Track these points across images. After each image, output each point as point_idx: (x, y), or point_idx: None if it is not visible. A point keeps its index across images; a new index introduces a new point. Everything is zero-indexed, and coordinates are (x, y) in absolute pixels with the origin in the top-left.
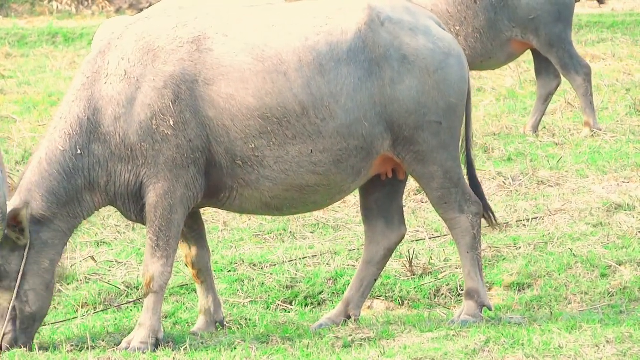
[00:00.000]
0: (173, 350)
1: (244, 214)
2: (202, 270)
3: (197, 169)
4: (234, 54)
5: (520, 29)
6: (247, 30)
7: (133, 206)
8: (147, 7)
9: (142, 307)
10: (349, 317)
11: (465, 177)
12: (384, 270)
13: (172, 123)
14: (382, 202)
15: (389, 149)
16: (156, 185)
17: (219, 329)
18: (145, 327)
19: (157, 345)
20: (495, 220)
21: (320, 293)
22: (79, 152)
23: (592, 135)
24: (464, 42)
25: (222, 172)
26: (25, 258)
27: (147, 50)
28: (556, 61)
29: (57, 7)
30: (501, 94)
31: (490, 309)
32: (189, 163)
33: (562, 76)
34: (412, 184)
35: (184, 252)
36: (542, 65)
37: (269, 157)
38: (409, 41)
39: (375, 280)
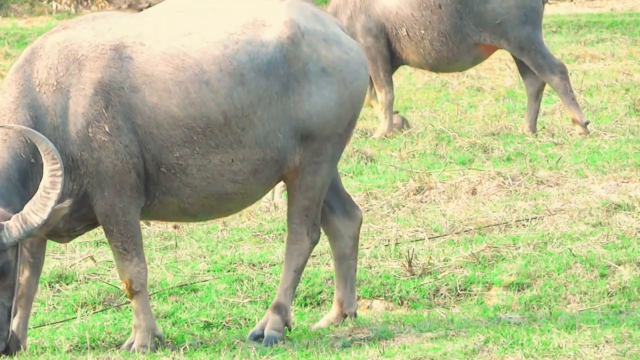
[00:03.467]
0: (172, 350)
1: (157, 221)
2: (25, 296)
3: (137, 173)
4: (154, 63)
5: (489, 33)
6: (163, 39)
7: (68, 215)
8: (147, 7)
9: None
10: (345, 316)
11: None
12: (383, 270)
13: (107, 129)
14: (328, 198)
15: (297, 163)
16: (102, 194)
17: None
18: (141, 329)
19: (158, 341)
20: None
21: (319, 293)
22: (32, 160)
23: (586, 132)
24: (430, 46)
25: (148, 179)
26: (18, 257)
27: (72, 60)
28: (529, 63)
29: (57, 7)
30: (500, 93)
31: (290, 330)
32: (129, 168)
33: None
34: (411, 184)
35: None
36: (525, 64)
37: (192, 166)
38: (326, 53)
39: (356, 270)
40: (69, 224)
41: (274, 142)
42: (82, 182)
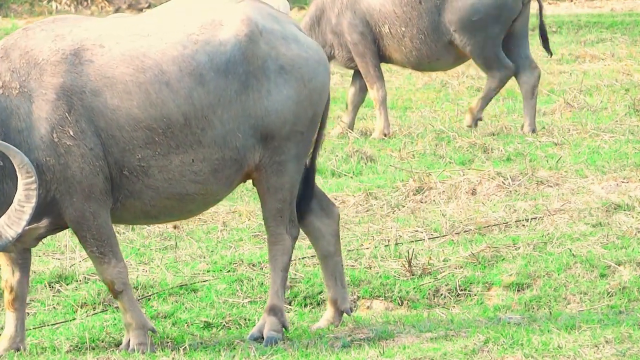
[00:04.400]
0: (172, 351)
1: (119, 224)
2: (19, 297)
3: (104, 176)
4: (114, 65)
5: (459, 32)
6: (122, 41)
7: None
8: (147, 7)
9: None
10: (342, 313)
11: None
12: (382, 270)
13: (72, 133)
14: (303, 199)
15: (257, 161)
16: (71, 201)
17: (20, 352)
18: (133, 327)
19: (153, 332)
20: None
21: (319, 293)
22: (0, 163)
23: (472, 124)
24: (410, 43)
25: (112, 184)
26: None
27: (33, 64)
28: (482, 61)
29: (56, 7)
30: (500, 94)
31: (287, 330)
32: (97, 171)
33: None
34: (411, 184)
35: (6, 276)
36: (518, 61)
37: (153, 167)
38: (285, 51)
39: (343, 266)
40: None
41: (233, 141)
42: (49, 188)
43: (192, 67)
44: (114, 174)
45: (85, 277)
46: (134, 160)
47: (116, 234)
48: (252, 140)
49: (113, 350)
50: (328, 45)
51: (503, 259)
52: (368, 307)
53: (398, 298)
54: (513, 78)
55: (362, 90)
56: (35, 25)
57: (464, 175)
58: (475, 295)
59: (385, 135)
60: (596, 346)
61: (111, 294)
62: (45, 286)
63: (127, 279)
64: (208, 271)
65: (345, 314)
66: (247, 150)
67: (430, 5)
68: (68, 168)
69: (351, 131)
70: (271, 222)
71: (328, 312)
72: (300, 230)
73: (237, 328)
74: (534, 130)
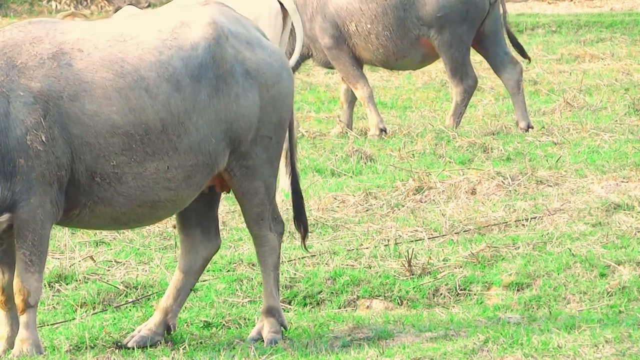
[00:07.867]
0: (172, 350)
1: (88, 229)
2: (10, 297)
3: (59, 186)
4: (94, 70)
5: (427, 26)
6: (100, 45)
7: None
8: (146, 7)
9: (132, 308)
10: (168, 327)
11: (288, 189)
12: (382, 270)
13: (43, 139)
14: (200, 212)
15: (226, 165)
16: (28, 201)
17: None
18: (29, 343)
19: (41, 354)
20: (304, 242)
21: (319, 293)
22: None
23: (453, 125)
24: (376, 40)
25: (78, 190)
26: None
27: (11, 66)
28: (449, 62)
29: (56, 6)
30: (500, 93)
31: (286, 329)
32: (54, 180)
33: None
34: (411, 184)
35: None
36: (497, 59)
37: (127, 174)
38: (250, 55)
39: (191, 289)
40: None
41: (207, 146)
42: (14, 190)
43: (169, 72)
44: (83, 181)
45: (85, 277)
46: (107, 167)
47: (113, 235)
48: (222, 144)
49: (113, 350)
50: (305, 47)
51: (503, 259)
52: (368, 307)
53: (398, 298)
54: (526, 75)
55: None
56: (12, 27)
57: (463, 175)
58: (475, 295)
59: (382, 131)
60: (596, 346)
61: (20, 304)
62: (45, 286)
63: (39, 299)
64: (208, 271)
65: (170, 328)
66: (218, 155)
67: (396, 1)
68: (33, 171)
69: (350, 129)
70: (253, 226)
71: (153, 320)
72: (294, 228)
73: (236, 328)
74: (529, 125)
